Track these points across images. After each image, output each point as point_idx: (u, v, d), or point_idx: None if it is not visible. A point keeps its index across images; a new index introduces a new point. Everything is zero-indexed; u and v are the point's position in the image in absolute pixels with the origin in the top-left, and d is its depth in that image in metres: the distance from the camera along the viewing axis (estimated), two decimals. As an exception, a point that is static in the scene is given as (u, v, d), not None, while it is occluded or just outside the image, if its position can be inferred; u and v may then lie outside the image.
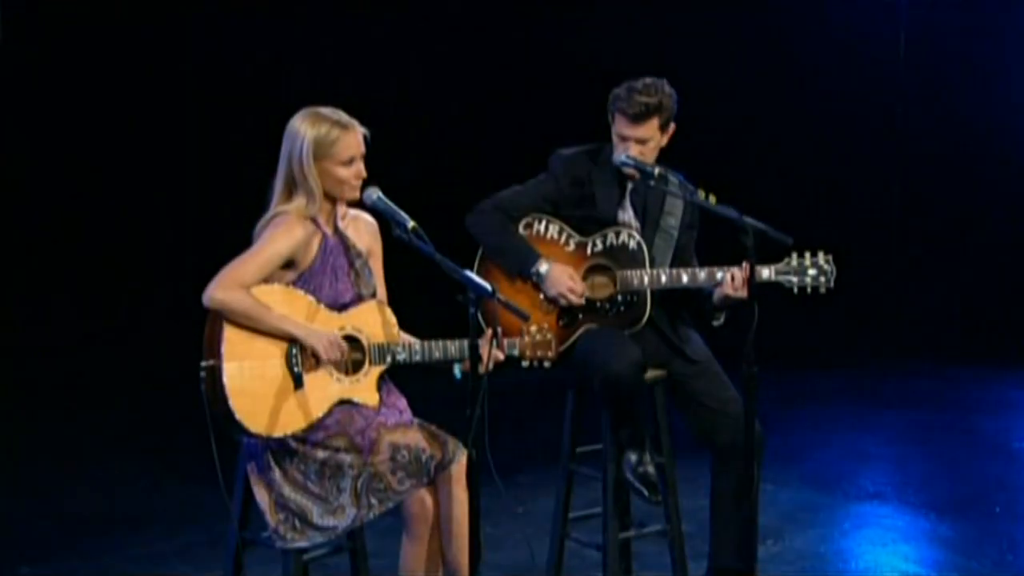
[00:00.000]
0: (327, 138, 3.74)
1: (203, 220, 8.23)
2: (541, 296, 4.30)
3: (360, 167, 3.80)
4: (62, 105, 8.17)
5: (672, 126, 4.34)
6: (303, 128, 3.75)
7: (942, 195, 9.08)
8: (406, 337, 3.89)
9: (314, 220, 3.79)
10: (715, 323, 4.34)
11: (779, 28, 9.08)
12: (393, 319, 3.87)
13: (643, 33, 8.78)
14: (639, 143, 4.27)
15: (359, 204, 3.84)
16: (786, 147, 9.20)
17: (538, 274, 4.26)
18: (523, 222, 4.37)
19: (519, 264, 4.29)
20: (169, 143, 8.44)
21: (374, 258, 3.94)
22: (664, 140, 4.34)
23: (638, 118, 4.25)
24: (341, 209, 3.88)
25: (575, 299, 4.25)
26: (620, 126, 4.29)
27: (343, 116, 3.79)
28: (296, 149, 3.75)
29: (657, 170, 4.18)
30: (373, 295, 3.90)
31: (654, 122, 4.27)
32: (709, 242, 4.49)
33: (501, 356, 3.80)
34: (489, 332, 3.71)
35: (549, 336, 3.95)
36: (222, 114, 8.40)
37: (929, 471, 6.13)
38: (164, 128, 8.42)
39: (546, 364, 3.95)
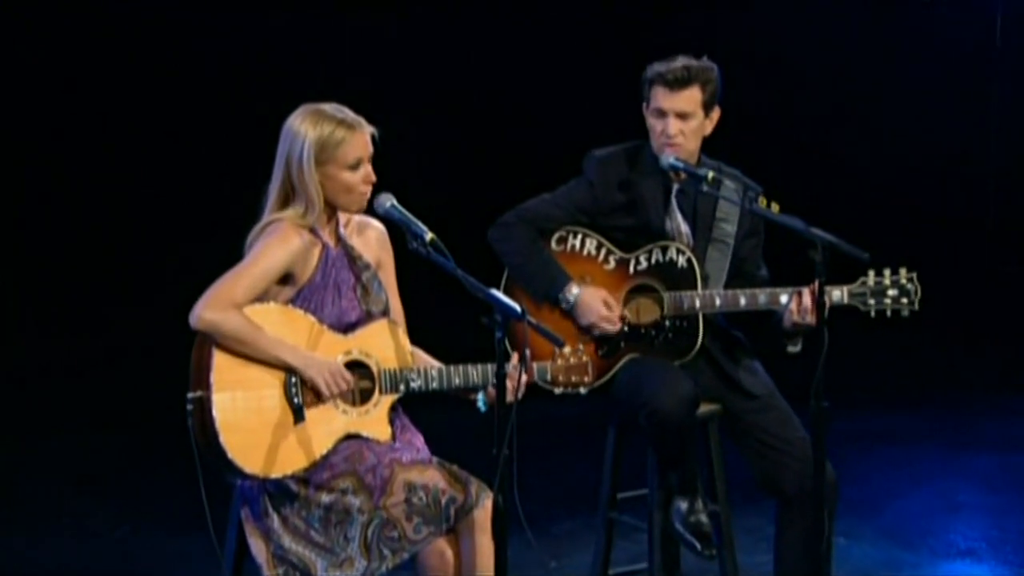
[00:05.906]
0: (331, 139, 3.75)
1: (190, 231, 8.27)
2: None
3: (368, 170, 3.82)
4: (39, 118, 8.25)
5: (717, 111, 4.34)
6: (304, 128, 3.77)
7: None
8: (422, 358, 3.90)
9: (312, 229, 3.81)
10: (791, 350, 4.29)
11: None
12: (406, 341, 3.88)
13: (693, 22, 8.79)
14: (679, 118, 4.27)
15: (368, 211, 3.85)
16: (866, 153, 9.19)
17: (567, 301, 4.26)
18: (555, 236, 4.38)
19: (545, 289, 4.29)
20: (150, 145, 8.49)
21: (384, 270, 3.95)
22: (708, 127, 4.34)
23: (679, 83, 4.26)
24: (343, 216, 3.89)
25: (611, 328, 4.24)
26: (658, 98, 4.29)
27: (349, 114, 3.80)
28: (296, 152, 3.76)
29: (710, 173, 4.17)
30: (384, 312, 3.90)
31: (696, 92, 4.27)
32: (769, 257, 4.47)
33: (529, 379, 3.79)
34: (516, 355, 3.72)
35: (585, 358, 3.95)
36: (208, 115, 8.46)
37: (1030, 524, 6.10)
38: (145, 128, 8.49)
39: (582, 390, 3.95)
